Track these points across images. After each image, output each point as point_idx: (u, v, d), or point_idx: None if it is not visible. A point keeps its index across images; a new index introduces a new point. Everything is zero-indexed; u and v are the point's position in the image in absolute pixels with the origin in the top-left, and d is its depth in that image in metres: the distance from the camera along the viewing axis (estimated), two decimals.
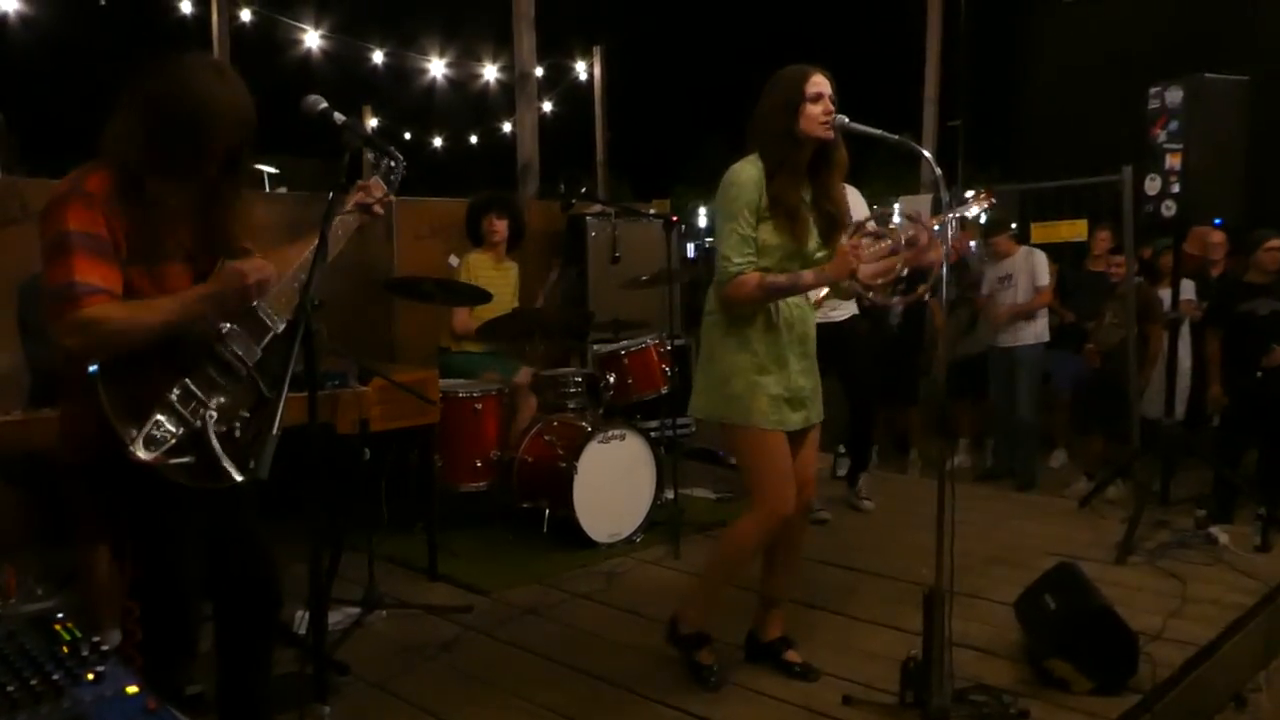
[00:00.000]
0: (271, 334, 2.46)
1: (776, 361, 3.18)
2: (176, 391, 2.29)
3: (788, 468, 3.20)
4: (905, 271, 3.20)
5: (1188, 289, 6.43)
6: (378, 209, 2.63)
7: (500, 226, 5.58)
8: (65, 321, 2.18)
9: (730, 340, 3.18)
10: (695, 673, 3.32)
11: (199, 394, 2.32)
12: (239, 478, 2.34)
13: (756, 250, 3.09)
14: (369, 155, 2.68)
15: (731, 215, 3.09)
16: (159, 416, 2.26)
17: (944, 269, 3.24)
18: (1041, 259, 6.68)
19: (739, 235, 3.08)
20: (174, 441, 2.27)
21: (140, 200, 2.28)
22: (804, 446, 3.34)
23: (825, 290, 3.52)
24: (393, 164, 2.68)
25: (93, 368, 2.22)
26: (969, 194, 4.28)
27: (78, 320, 2.17)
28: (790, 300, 3.21)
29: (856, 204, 5.21)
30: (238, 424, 2.39)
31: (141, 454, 2.22)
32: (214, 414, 2.33)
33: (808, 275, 3.13)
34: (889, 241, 3.22)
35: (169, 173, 2.30)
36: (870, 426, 5.82)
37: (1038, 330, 6.68)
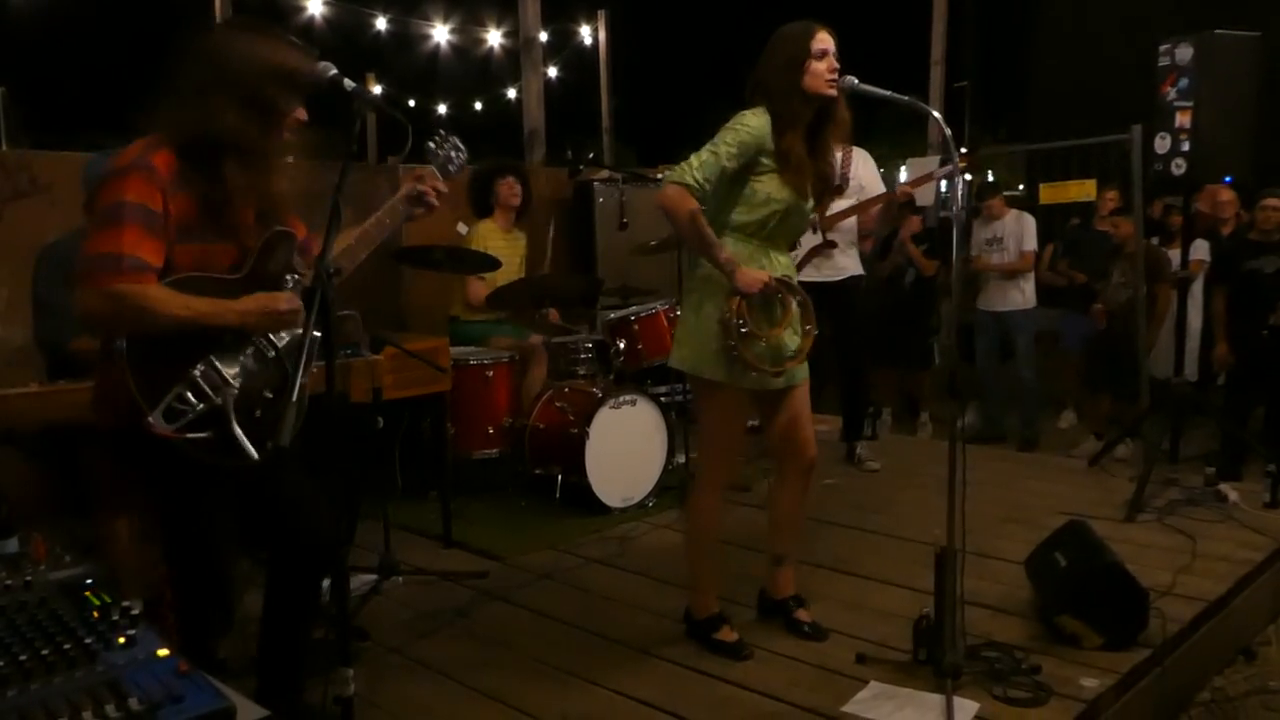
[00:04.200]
0: (304, 313, 2.43)
1: (766, 320, 3.16)
2: (201, 368, 2.30)
3: (744, 432, 3.24)
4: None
5: (1201, 248, 6.42)
6: (432, 199, 2.59)
7: (519, 189, 5.57)
8: (98, 288, 2.20)
9: (719, 298, 3.10)
10: (724, 652, 3.28)
11: (223, 372, 2.33)
12: (256, 457, 2.33)
13: (741, 201, 3.08)
14: (429, 143, 2.68)
15: (723, 143, 3.00)
16: (181, 391, 2.26)
17: (955, 229, 3.26)
18: (1030, 223, 6.74)
19: (716, 162, 2.98)
20: (193, 417, 2.27)
21: (202, 179, 2.30)
22: (795, 405, 3.32)
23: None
24: (455, 153, 2.65)
25: (120, 343, 2.24)
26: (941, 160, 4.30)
27: (112, 290, 2.19)
28: (779, 259, 3.20)
29: (866, 167, 5.21)
30: (260, 404, 2.40)
31: (160, 426, 2.23)
32: (236, 393, 2.34)
33: (727, 255, 3.04)
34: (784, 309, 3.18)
35: (229, 143, 2.30)
36: (863, 390, 5.81)
37: (1026, 295, 6.76)
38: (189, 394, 2.27)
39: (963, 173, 5.12)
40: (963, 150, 4.70)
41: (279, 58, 2.33)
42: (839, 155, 5.07)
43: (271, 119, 2.34)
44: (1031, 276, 6.82)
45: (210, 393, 2.30)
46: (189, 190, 2.29)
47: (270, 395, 2.41)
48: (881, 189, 5.14)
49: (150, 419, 2.22)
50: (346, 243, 2.51)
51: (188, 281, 2.30)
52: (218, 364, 2.33)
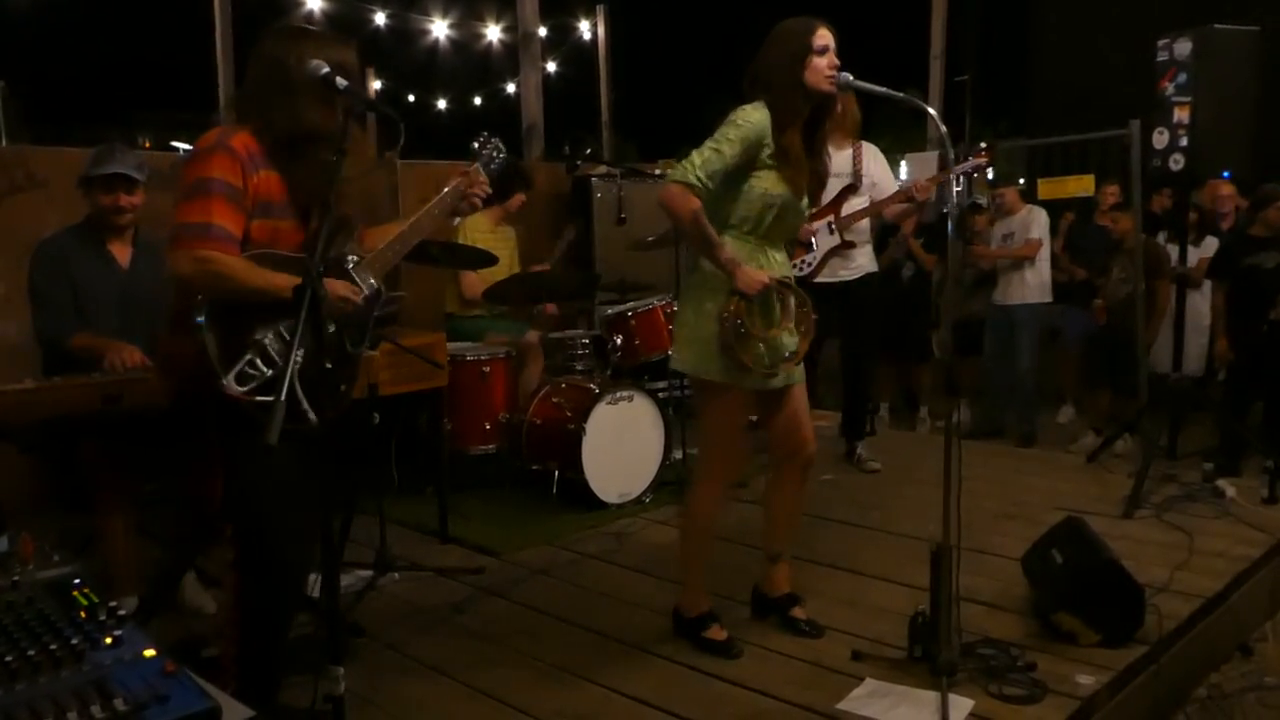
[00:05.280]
0: (362, 296, 2.66)
1: (764, 321, 3.15)
2: (270, 335, 2.49)
3: (744, 431, 3.26)
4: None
5: (1212, 245, 6.40)
6: (475, 199, 2.84)
7: (521, 199, 5.60)
8: (189, 252, 2.42)
9: (721, 298, 3.08)
10: (714, 651, 3.27)
11: (290, 341, 2.41)
12: (314, 420, 2.48)
13: (739, 198, 3.05)
14: (474, 143, 2.98)
15: (725, 139, 2.97)
16: (252, 357, 2.46)
17: (949, 224, 3.25)
18: (1041, 216, 6.70)
19: (719, 158, 2.95)
20: (262, 380, 2.45)
21: (290, 167, 2.53)
22: (793, 404, 3.32)
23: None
24: (495, 154, 2.95)
25: (200, 317, 2.42)
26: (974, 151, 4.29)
27: (200, 255, 2.41)
28: (776, 258, 3.20)
29: (877, 162, 5.18)
30: (320, 373, 2.53)
31: (232, 388, 2.42)
32: (299, 361, 2.41)
33: (729, 254, 3.03)
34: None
35: (315, 137, 2.50)
36: (867, 389, 5.78)
37: (1032, 288, 6.69)
38: (259, 360, 2.47)
39: (986, 167, 5.10)
40: (983, 146, 4.69)
41: (341, 57, 2.52)
42: (850, 151, 5.06)
43: (343, 113, 2.49)
44: (1042, 269, 6.75)
45: (277, 359, 2.48)
46: (273, 172, 2.52)
47: (329, 366, 2.58)
48: (894, 185, 5.11)
49: (225, 381, 2.41)
50: (400, 229, 2.77)
51: (262, 258, 2.51)
52: (285, 333, 2.49)
